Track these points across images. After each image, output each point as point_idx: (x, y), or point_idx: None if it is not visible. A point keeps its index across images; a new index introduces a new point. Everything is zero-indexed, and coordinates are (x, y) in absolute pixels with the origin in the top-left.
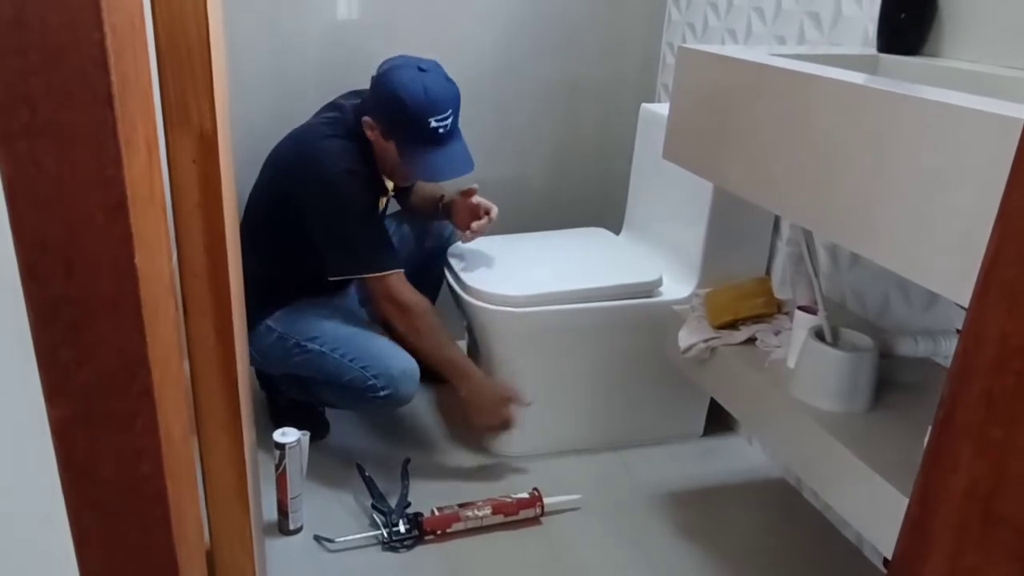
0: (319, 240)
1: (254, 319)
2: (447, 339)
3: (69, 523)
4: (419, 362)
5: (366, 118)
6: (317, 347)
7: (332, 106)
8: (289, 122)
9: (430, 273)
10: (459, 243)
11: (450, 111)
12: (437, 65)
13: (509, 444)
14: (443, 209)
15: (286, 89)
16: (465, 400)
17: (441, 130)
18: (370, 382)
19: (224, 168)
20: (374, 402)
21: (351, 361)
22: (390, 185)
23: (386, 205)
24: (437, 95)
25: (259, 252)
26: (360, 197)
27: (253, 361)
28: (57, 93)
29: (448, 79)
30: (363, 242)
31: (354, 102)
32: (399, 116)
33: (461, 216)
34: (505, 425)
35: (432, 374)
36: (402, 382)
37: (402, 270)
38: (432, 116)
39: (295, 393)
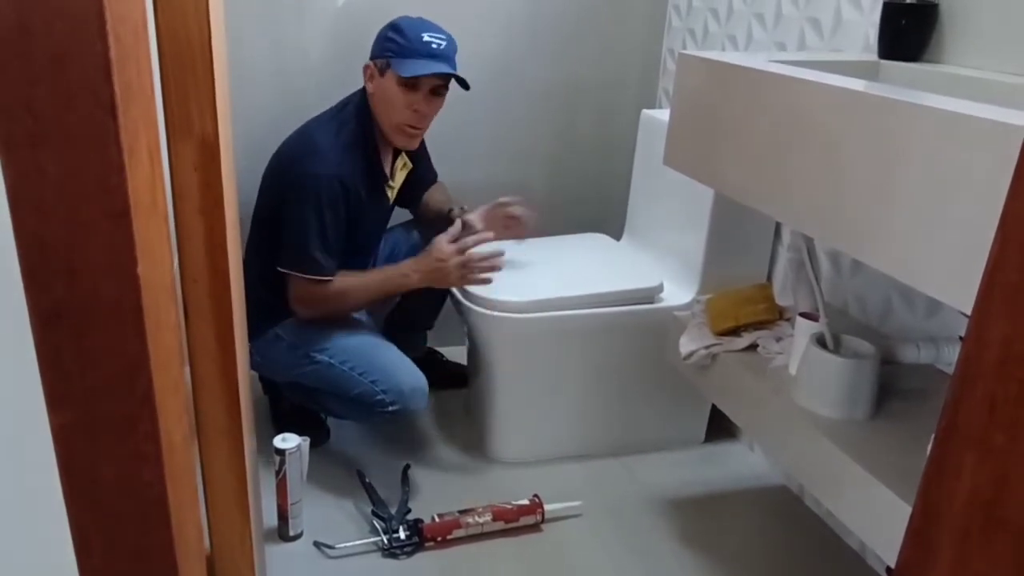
0: (285, 231)
1: (262, 325)
2: (364, 281)
3: (70, 528)
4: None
5: (366, 64)
6: (326, 358)
7: (339, 104)
8: (290, 125)
9: None
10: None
11: (443, 36)
12: None
13: (510, 450)
14: (451, 222)
15: (288, 95)
16: (427, 284)
17: (435, 45)
18: (378, 396)
19: (225, 175)
20: (382, 416)
21: (360, 374)
22: (399, 178)
23: (392, 205)
24: (431, 24)
25: (264, 257)
26: (331, 199)
27: (259, 368)
28: (61, 100)
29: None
30: (309, 245)
31: (358, 92)
32: (394, 36)
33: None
34: (477, 272)
35: (435, 380)
36: (411, 398)
37: (328, 278)
38: (425, 32)
39: (300, 401)
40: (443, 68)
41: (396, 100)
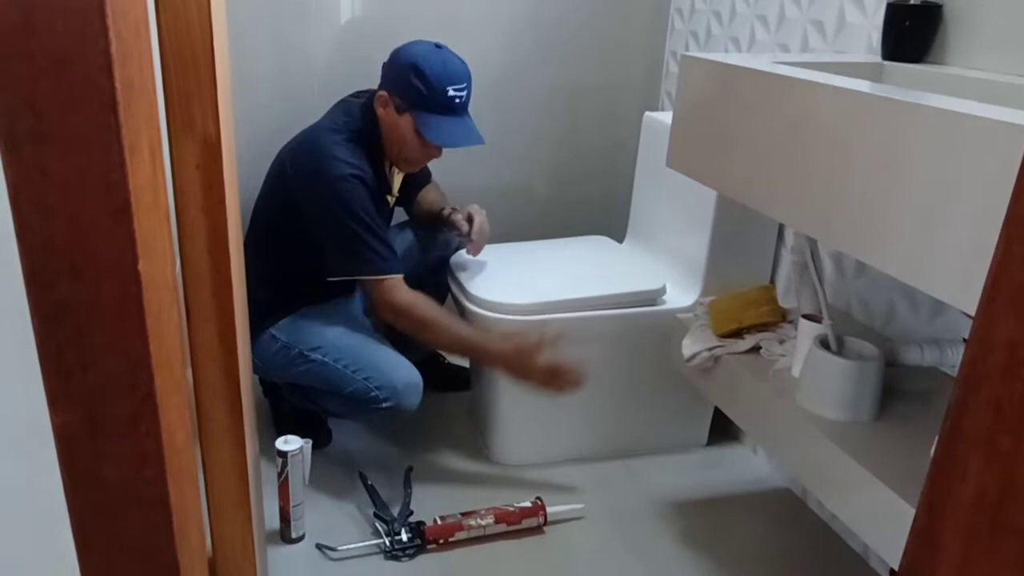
0: (321, 241)
1: (258, 327)
2: (454, 325)
3: (71, 527)
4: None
5: (381, 92)
6: (320, 357)
7: (340, 105)
8: (293, 127)
9: (437, 282)
10: (462, 252)
11: (465, 84)
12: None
13: (512, 453)
14: (445, 222)
15: (290, 94)
16: (508, 375)
17: (457, 100)
18: (372, 393)
19: (227, 173)
20: (376, 413)
21: (354, 372)
22: (396, 184)
23: (392, 209)
24: (455, 67)
25: (264, 258)
26: (362, 200)
27: (256, 369)
28: (63, 98)
29: (461, 60)
30: (363, 243)
31: (361, 100)
32: (418, 84)
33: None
34: (568, 383)
35: (437, 383)
36: (405, 394)
37: (401, 275)
38: (450, 85)
39: (298, 401)
40: (472, 141)
41: (411, 143)
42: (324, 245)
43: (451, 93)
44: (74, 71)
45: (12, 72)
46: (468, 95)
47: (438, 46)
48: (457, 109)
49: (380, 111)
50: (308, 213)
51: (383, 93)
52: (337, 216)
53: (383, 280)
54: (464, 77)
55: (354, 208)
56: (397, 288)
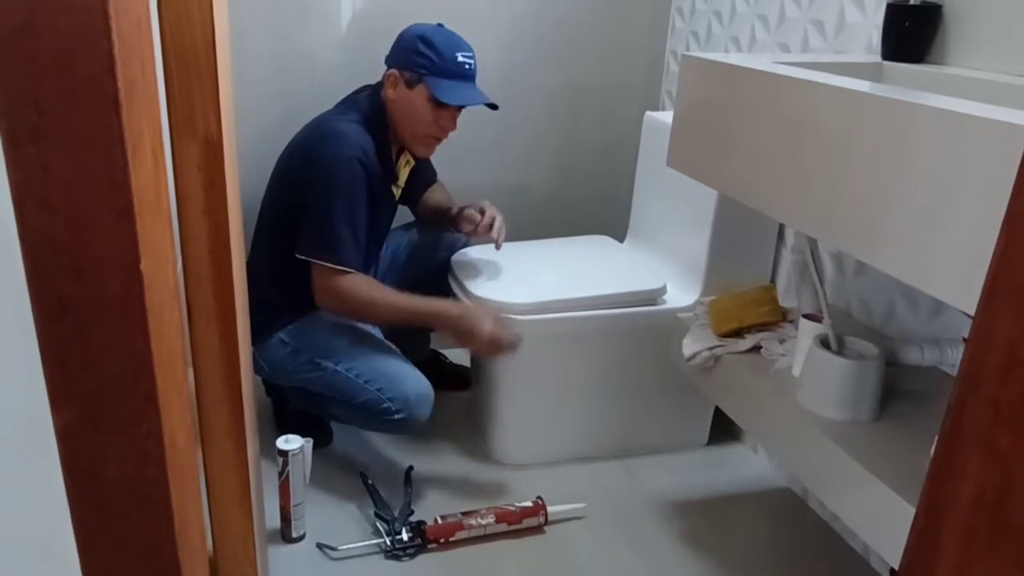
0: (305, 216)
1: (266, 330)
2: (396, 298)
3: (73, 525)
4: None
5: (390, 72)
6: (331, 365)
7: (344, 101)
8: (294, 127)
9: (440, 282)
10: (464, 251)
11: (472, 54)
12: None
13: (513, 452)
14: (452, 220)
15: (291, 94)
16: (453, 334)
17: (467, 66)
18: (384, 404)
19: (229, 174)
20: (387, 424)
21: (366, 382)
22: (403, 176)
23: (396, 204)
24: (460, 39)
25: (271, 255)
26: (354, 183)
27: (262, 373)
28: (65, 97)
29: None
30: (334, 230)
31: (366, 92)
32: (428, 52)
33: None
34: (507, 346)
35: (438, 382)
36: (417, 406)
37: (356, 274)
38: (459, 51)
39: (304, 406)
40: (486, 99)
41: (424, 115)
42: (306, 221)
43: (460, 59)
44: (77, 70)
45: (15, 71)
46: (475, 66)
47: (439, 25)
48: (467, 76)
49: (390, 92)
50: (305, 188)
51: (392, 72)
52: (323, 191)
53: (336, 270)
54: (470, 48)
55: (343, 189)
56: (343, 277)
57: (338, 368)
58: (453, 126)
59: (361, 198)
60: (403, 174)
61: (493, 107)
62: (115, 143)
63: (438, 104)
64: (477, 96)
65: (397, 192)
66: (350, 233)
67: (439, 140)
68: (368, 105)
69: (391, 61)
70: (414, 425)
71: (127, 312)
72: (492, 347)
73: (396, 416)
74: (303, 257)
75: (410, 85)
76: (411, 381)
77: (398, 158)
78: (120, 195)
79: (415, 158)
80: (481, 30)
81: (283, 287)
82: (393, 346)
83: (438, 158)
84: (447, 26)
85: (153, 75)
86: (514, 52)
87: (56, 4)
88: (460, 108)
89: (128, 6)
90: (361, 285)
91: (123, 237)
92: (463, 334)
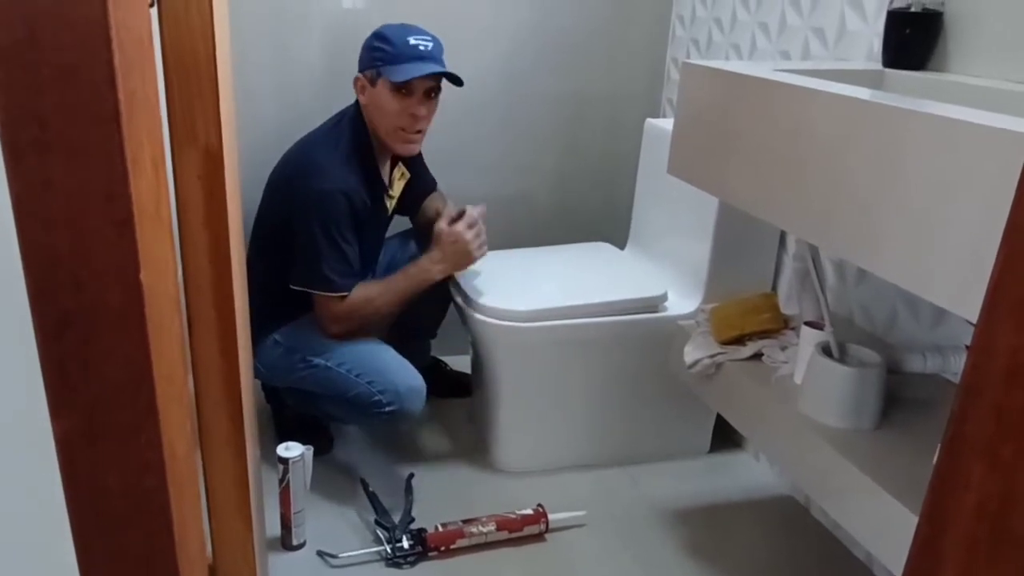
0: (295, 241)
1: (261, 332)
2: (390, 286)
3: (72, 534)
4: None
5: (356, 77)
6: (323, 361)
7: (335, 115)
8: (294, 138)
9: (438, 291)
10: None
11: (430, 37)
12: None
13: (514, 460)
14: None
15: (291, 105)
16: (450, 271)
17: (422, 47)
18: (375, 397)
19: (229, 184)
20: (379, 417)
21: (357, 376)
22: (397, 187)
23: (391, 215)
24: (414, 26)
25: (267, 265)
26: (338, 215)
27: (259, 374)
28: (67, 110)
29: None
30: (323, 260)
31: (350, 110)
32: (380, 45)
33: None
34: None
35: (439, 389)
36: (408, 398)
37: (345, 293)
38: (410, 35)
39: (300, 406)
40: (434, 68)
41: (390, 107)
42: (297, 253)
43: (413, 41)
44: (78, 83)
45: (17, 84)
46: (436, 48)
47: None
48: (422, 56)
49: (361, 98)
50: (294, 221)
51: (358, 76)
52: (309, 226)
53: (329, 297)
54: (426, 32)
55: (327, 223)
56: (340, 303)
57: (329, 364)
58: (424, 112)
59: (347, 224)
60: (398, 185)
61: (457, 83)
62: (115, 155)
63: (399, 91)
64: (426, 69)
65: (391, 202)
66: (338, 258)
67: (415, 132)
68: (350, 121)
69: (358, 68)
70: (406, 418)
71: (127, 322)
72: (481, 247)
73: (387, 409)
74: (297, 288)
75: (373, 83)
76: (401, 374)
77: (392, 170)
78: (120, 207)
79: (404, 162)
80: (484, 40)
81: (275, 297)
82: (386, 342)
83: (439, 166)
84: (449, 37)
85: (154, 87)
86: (516, 61)
87: (57, 18)
88: (431, 94)
89: (129, 19)
90: (356, 297)
91: (123, 248)
92: (459, 262)
